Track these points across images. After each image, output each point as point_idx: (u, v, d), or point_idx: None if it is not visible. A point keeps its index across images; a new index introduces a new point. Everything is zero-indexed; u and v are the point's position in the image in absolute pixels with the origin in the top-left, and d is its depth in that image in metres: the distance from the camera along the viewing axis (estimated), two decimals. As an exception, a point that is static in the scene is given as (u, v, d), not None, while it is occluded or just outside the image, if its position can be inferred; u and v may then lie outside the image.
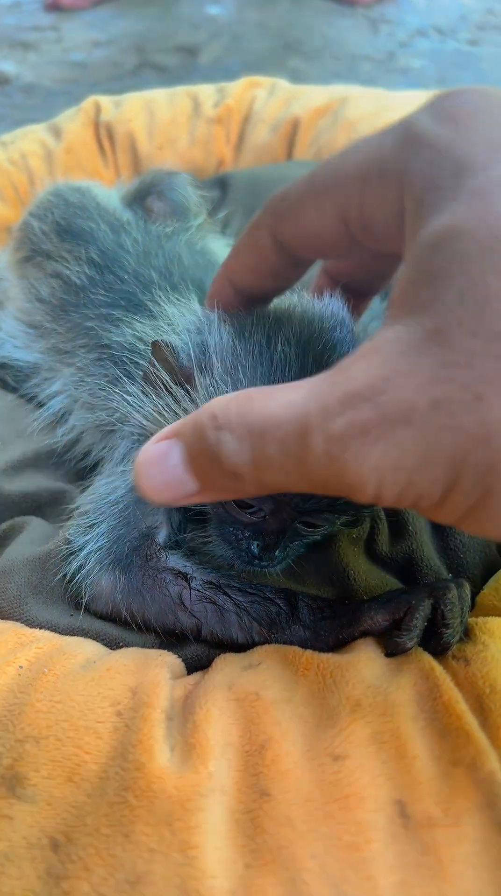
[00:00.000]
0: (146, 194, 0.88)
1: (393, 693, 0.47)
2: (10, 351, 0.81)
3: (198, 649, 0.60)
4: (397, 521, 0.69)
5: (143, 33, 2.19)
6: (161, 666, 0.52)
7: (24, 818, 0.43)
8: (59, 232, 0.80)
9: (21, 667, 0.51)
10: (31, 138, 1.14)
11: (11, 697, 0.49)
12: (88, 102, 1.19)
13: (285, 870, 0.40)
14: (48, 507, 0.73)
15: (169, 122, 1.17)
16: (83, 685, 0.49)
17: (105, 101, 1.20)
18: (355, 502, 0.61)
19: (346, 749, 0.44)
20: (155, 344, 0.62)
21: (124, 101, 1.20)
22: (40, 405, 0.79)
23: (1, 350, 0.81)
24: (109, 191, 0.92)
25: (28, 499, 0.72)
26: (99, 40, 2.18)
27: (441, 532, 0.70)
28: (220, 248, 0.86)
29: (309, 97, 1.19)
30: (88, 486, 0.71)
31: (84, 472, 0.75)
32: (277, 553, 0.64)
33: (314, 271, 0.92)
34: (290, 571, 0.67)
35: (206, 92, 1.22)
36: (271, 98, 1.21)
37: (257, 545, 0.63)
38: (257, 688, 0.49)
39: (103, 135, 1.16)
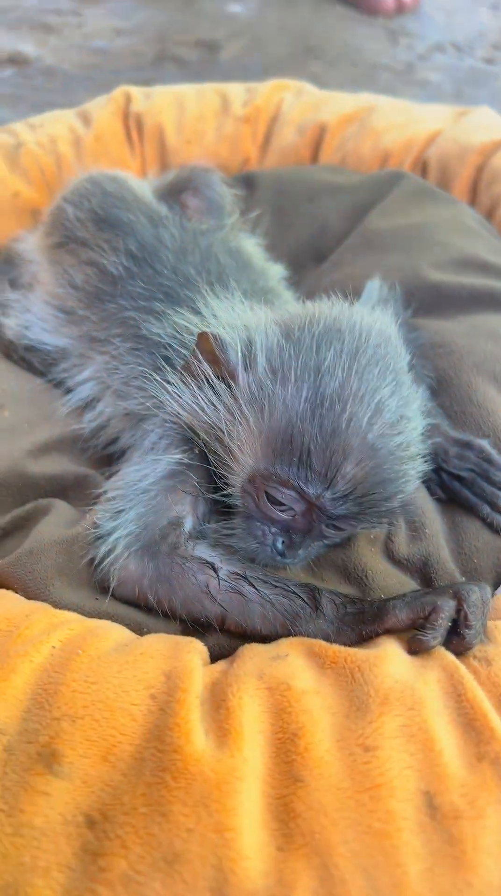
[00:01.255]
0: (182, 189, 0.89)
1: (420, 689, 0.49)
2: (39, 334, 0.81)
3: (219, 639, 0.61)
4: (414, 523, 0.71)
5: (164, 25, 2.19)
6: (193, 652, 0.53)
7: (61, 794, 0.44)
8: (97, 221, 0.81)
9: (54, 647, 0.52)
10: (61, 123, 1.14)
11: (46, 676, 0.50)
12: (119, 92, 1.20)
13: (317, 854, 0.42)
14: (72, 490, 0.74)
15: (197, 117, 1.18)
16: (118, 668, 0.50)
17: (136, 91, 1.21)
18: (382, 513, 0.63)
19: (376, 740, 0.46)
20: (203, 335, 0.63)
21: (154, 94, 1.21)
22: (68, 390, 0.79)
23: (30, 332, 0.82)
24: (141, 182, 0.93)
25: (53, 481, 0.73)
26: (121, 28, 2.17)
27: (456, 536, 0.72)
28: (252, 247, 0.87)
29: (337, 103, 1.20)
30: (114, 473, 0.72)
31: (108, 459, 0.76)
32: (300, 551, 0.65)
33: (328, 278, 0.94)
34: (308, 568, 0.69)
35: (235, 91, 1.23)
36: (298, 101, 1.22)
37: (283, 542, 0.65)
38: (286, 678, 0.50)
39: (132, 125, 1.17)
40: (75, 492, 0.74)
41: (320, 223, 1.05)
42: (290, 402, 0.61)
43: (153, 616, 0.63)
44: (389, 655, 0.52)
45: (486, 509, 0.71)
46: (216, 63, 2.00)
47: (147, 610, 0.63)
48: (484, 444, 0.74)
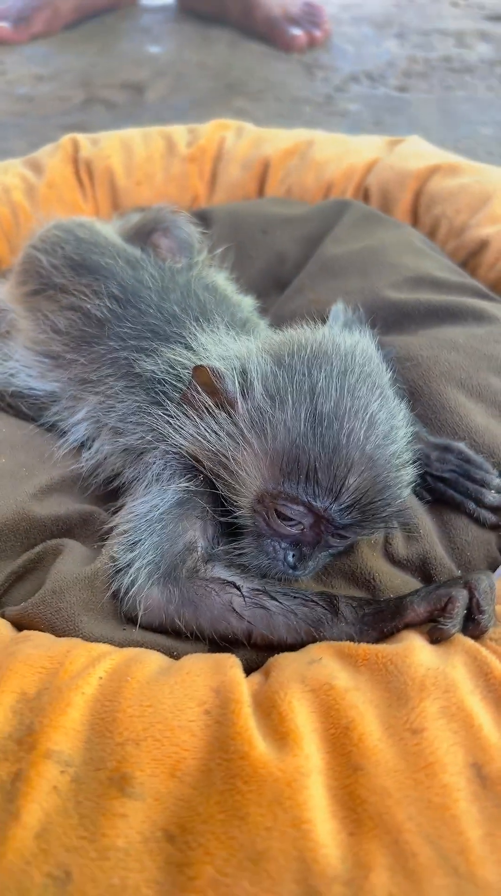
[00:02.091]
0: (152, 231, 0.92)
1: (451, 672, 0.53)
2: (25, 380, 0.83)
3: (247, 653, 0.64)
4: (408, 526, 0.76)
5: (86, 69, 2.23)
6: (235, 666, 0.56)
7: (137, 815, 0.46)
8: (74, 267, 0.84)
9: (101, 678, 0.54)
10: (11, 173, 1.16)
11: (100, 706, 0.52)
12: (66, 140, 1.23)
13: (387, 833, 0.45)
14: (79, 529, 0.76)
15: (145, 159, 1.22)
16: (168, 689, 0.53)
17: (82, 138, 1.24)
18: (383, 518, 0.68)
19: (421, 723, 0.50)
20: (199, 368, 0.67)
21: (101, 139, 1.24)
22: (62, 433, 0.81)
23: (16, 379, 0.83)
24: (106, 226, 0.96)
25: (59, 522, 0.75)
26: (42, 74, 2.21)
27: (447, 533, 0.77)
28: (224, 282, 0.91)
29: (277, 139, 1.27)
30: (119, 507, 0.74)
31: (111, 494, 0.78)
32: (310, 563, 0.69)
33: (292, 304, 0.99)
34: (318, 579, 0.73)
35: (178, 132, 1.28)
36: (239, 139, 1.28)
37: (294, 555, 0.69)
38: (327, 679, 0.54)
39: (83, 170, 1.20)
40: (82, 530, 0.76)
41: (276, 253, 1.11)
42: (291, 424, 0.65)
43: (181, 639, 0.65)
44: (415, 647, 0.57)
45: (471, 505, 0.77)
46: (143, 104, 2.06)
47: (175, 634, 0.65)
48: (462, 446, 0.80)
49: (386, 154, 1.22)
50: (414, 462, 0.72)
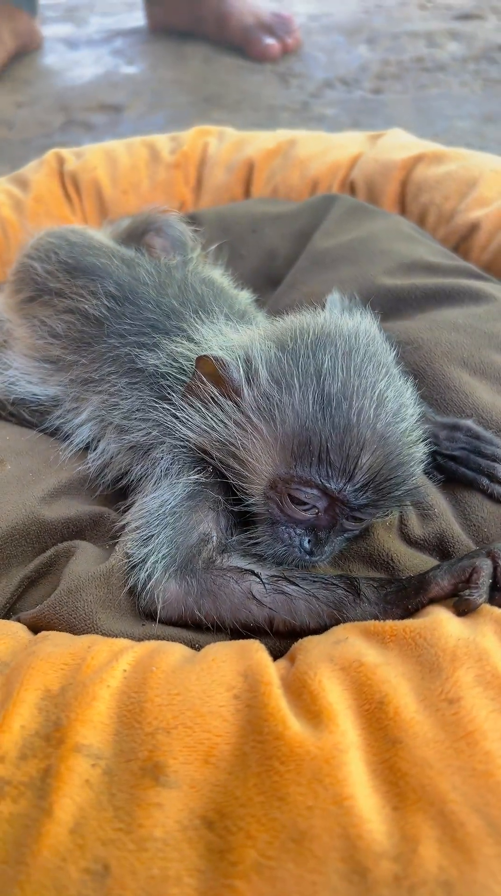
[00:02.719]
0: (144, 232, 0.92)
1: (482, 641, 0.52)
2: (26, 387, 0.82)
3: (269, 641, 0.63)
4: (422, 506, 0.75)
5: (62, 93, 2.25)
6: (260, 650, 0.55)
7: (173, 803, 0.45)
8: (69, 270, 0.83)
9: (125, 670, 0.53)
10: (-2, 190, 1.17)
11: (126, 698, 0.51)
12: (50, 155, 1.24)
13: (431, 805, 0.44)
14: (89, 530, 0.75)
15: (130, 168, 1.23)
16: (195, 676, 0.52)
17: (66, 152, 1.25)
18: (398, 497, 0.67)
19: (457, 692, 0.48)
20: (203, 358, 0.66)
21: (85, 152, 1.25)
22: (66, 436, 0.80)
23: (17, 387, 0.83)
24: (97, 231, 0.96)
25: (70, 524, 0.73)
26: (21, 101, 2.22)
27: (462, 511, 0.76)
28: (220, 277, 0.91)
29: (259, 140, 1.28)
30: (130, 505, 0.73)
31: (119, 494, 0.77)
32: (326, 548, 0.68)
33: (286, 298, 0.99)
34: (335, 564, 0.72)
35: (161, 141, 1.29)
36: (222, 143, 1.29)
37: (309, 541, 0.68)
38: (356, 656, 0.53)
39: (69, 183, 1.20)
40: (93, 531, 0.75)
41: (267, 250, 1.11)
42: (299, 407, 0.64)
43: (202, 632, 0.64)
44: (442, 619, 0.55)
45: (484, 481, 0.76)
46: (122, 122, 2.07)
47: (195, 627, 0.64)
48: (470, 423, 0.79)
49: (369, 148, 1.22)
50: (426, 440, 0.72)
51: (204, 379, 0.69)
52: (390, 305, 0.96)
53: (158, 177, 1.23)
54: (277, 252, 1.10)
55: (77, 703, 0.50)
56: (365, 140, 1.27)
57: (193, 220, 1.15)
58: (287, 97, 2.15)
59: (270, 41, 2.33)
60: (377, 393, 0.65)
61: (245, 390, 0.67)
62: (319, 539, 0.68)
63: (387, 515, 0.73)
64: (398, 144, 1.21)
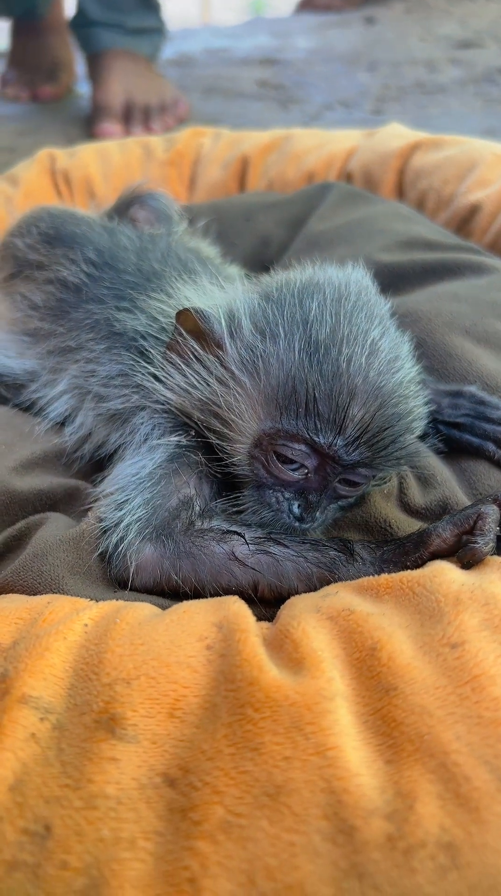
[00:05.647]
0: (128, 206, 0.89)
1: (488, 587, 0.46)
2: (2, 361, 0.78)
3: (255, 610, 0.57)
4: (423, 475, 0.69)
5: (32, 113, 2.28)
6: (239, 601, 0.49)
7: (130, 759, 0.39)
8: (49, 240, 0.80)
9: (86, 625, 0.47)
10: (-12, 186, 1.15)
11: (85, 651, 0.45)
12: (42, 154, 1.23)
13: (431, 756, 0.37)
14: (63, 504, 0.69)
15: (123, 166, 1.21)
16: (163, 627, 0.46)
17: (59, 151, 1.24)
18: (394, 458, 0.62)
19: (461, 636, 0.42)
20: (183, 312, 0.62)
21: (78, 152, 1.24)
22: (41, 410, 0.76)
23: (-7, 363, 0.79)
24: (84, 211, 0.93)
25: (42, 496, 0.68)
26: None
27: (467, 480, 0.70)
28: (208, 248, 0.88)
29: (254, 138, 1.26)
30: (106, 477, 0.68)
31: (97, 468, 0.72)
32: (317, 514, 0.62)
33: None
34: (328, 534, 0.66)
35: (155, 141, 1.28)
36: (216, 143, 1.28)
37: (299, 505, 0.62)
38: (346, 605, 0.47)
39: (60, 180, 1.19)
40: (66, 505, 0.70)
41: (260, 237, 1.08)
42: (284, 356, 0.59)
43: (178, 600, 0.58)
44: (444, 568, 0.50)
45: (491, 447, 0.71)
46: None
47: (172, 594, 0.58)
48: (474, 389, 0.74)
49: (366, 140, 1.21)
50: (428, 400, 0.67)
51: (184, 334, 0.64)
52: (388, 282, 0.92)
53: (152, 173, 1.22)
54: (270, 239, 1.07)
55: (28, 654, 0.44)
56: (361, 135, 1.25)
57: (186, 211, 1.12)
58: (287, 120, 2.17)
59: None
60: (369, 341, 0.60)
61: (227, 343, 0.62)
62: (309, 503, 0.62)
63: (385, 482, 0.68)
64: (396, 135, 1.19)
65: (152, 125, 1.94)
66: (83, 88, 2.43)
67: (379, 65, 2.55)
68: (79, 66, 2.44)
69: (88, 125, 2.05)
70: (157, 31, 2.13)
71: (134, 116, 1.95)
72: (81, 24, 2.00)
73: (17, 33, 2.32)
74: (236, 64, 2.81)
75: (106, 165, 1.21)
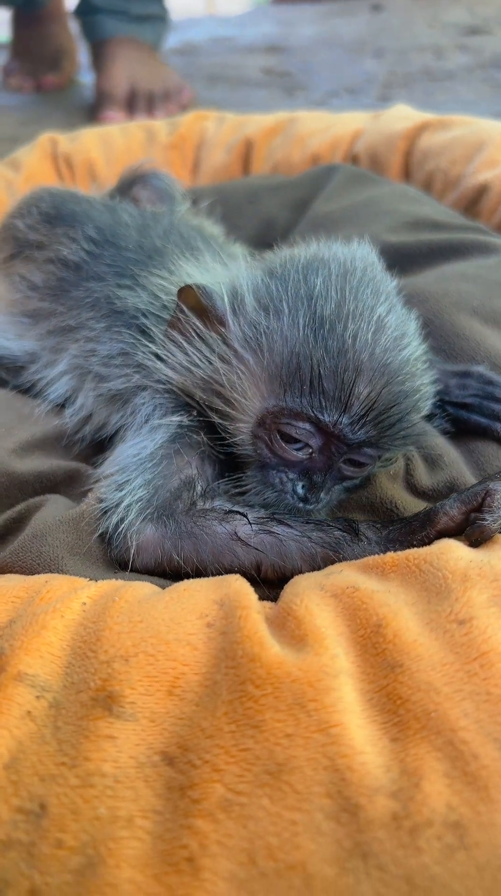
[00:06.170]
0: (130, 186, 0.88)
1: (497, 563, 0.45)
2: (1, 343, 0.77)
3: (258, 591, 0.56)
4: (430, 456, 0.68)
5: (33, 103, 2.26)
6: (241, 580, 0.48)
7: (128, 737, 0.38)
8: (49, 220, 0.79)
9: (84, 603, 0.46)
10: (-10, 171, 1.14)
11: (82, 630, 0.44)
12: (44, 139, 1.21)
13: (438, 734, 0.36)
14: (64, 486, 0.68)
15: (125, 150, 1.20)
16: (163, 605, 0.45)
17: (60, 136, 1.23)
18: (401, 438, 0.60)
19: (469, 612, 0.41)
20: (185, 288, 0.61)
21: (80, 136, 1.23)
22: (41, 392, 0.75)
23: (-7, 345, 0.78)
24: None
25: (42, 478, 0.67)
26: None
27: (475, 461, 0.69)
28: (211, 227, 0.86)
29: (258, 121, 1.25)
30: (107, 458, 0.67)
31: (98, 449, 0.71)
32: (322, 494, 0.61)
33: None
34: (333, 514, 0.64)
35: (158, 125, 1.27)
36: (220, 127, 1.26)
37: (303, 486, 0.61)
38: (351, 583, 0.45)
39: (62, 164, 1.18)
40: (67, 487, 0.69)
41: (264, 219, 1.06)
42: (288, 332, 0.58)
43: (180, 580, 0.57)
44: (451, 545, 0.48)
45: (499, 427, 0.69)
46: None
47: (173, 575, 0.57)
48: (482, 368, 0.72)
49: (372, 123, 1.19)
50: (434, 380, 0.65)
51: (186, 311, 0.63)
52: (394, 262, 0.90)
53: (155, 157, 1.20)
54: (275, 221, 1.06)
55: (24, 632, 0.43)
56: (367, 117, 1.23)
57: (190, 194, 1.11)
58: (292, 107, 2.14)
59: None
60: (375, 317, 0.59)
61: (230, 320, 0.61)
62: (314, 484, 0.61)
63: (391, 463, 0.66)
64: (403, 116, 1.17)
65: (156, 113, 1.93)
66: (86, 77, 2.42)
67: (385, 52, 2.53)
68: (81, 55, 2.43)
69: (91, 114, 2.04)
70: (160, 18, 2.11)
71: (138, 104, 1.94)
72: (85, 11, 1.99)
73: (19, 23, 2.30)
74: (241, 52, 2.79)
75: (108, 149, 1.20)
